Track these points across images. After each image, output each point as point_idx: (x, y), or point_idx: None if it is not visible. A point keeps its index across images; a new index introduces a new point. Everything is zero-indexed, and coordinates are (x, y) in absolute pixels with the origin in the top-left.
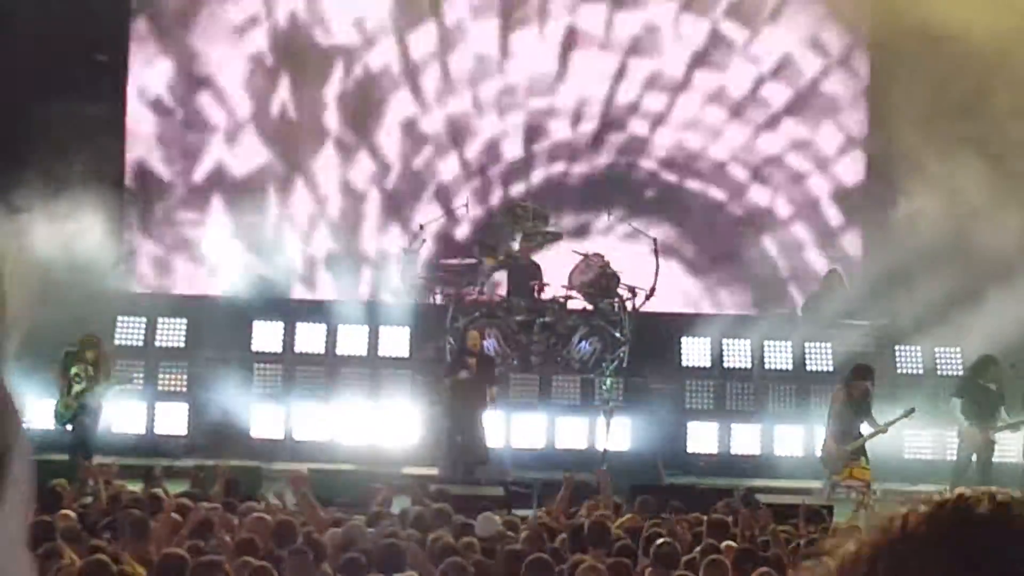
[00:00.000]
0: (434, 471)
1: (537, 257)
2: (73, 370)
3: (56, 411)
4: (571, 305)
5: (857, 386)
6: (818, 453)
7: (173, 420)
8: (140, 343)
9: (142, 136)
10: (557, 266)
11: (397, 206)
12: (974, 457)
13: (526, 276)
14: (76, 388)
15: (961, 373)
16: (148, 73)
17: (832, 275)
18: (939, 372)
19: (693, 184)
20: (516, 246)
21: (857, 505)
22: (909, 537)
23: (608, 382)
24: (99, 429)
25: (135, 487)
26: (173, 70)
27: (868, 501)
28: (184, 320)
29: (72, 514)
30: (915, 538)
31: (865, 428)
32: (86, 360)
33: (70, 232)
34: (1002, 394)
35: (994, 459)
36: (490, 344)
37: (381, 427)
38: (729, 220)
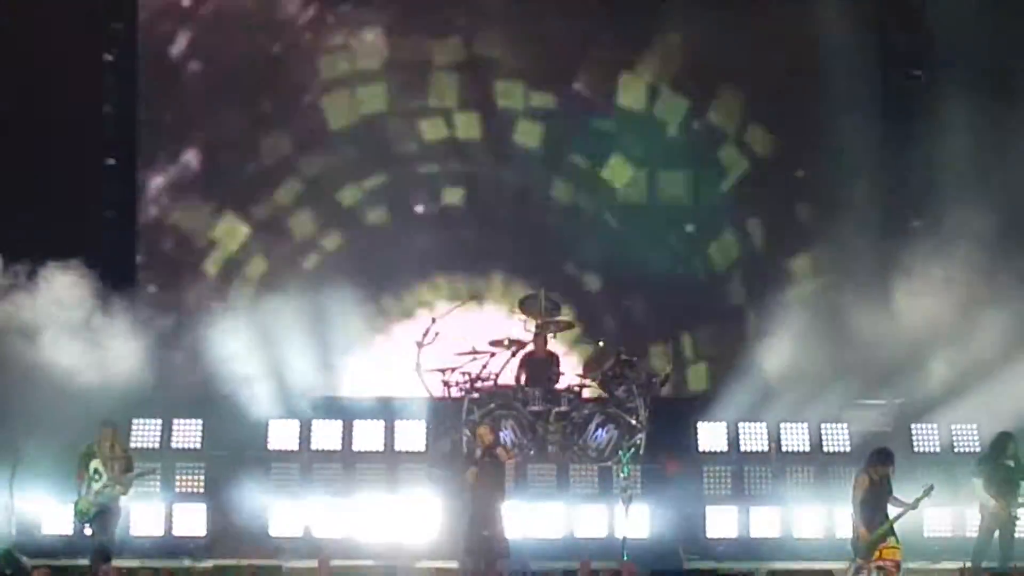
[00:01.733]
0: (454, 565)
1: (552, 347)
2: (92, 466)
3: (77, 510)
4: (586, 393)
5: (878, 470)
6: (839, 535)
7: (191, 521)
8: (156, 445)
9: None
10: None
11: None
12: (996, 534)
13: (541, 366)
14: (96, 485)
15: (978, 451)
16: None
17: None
18: (956, 450)
19: None
20: (530, 336)
21: None
22: None
23: (625, 469)
24: (118, 532)
25: None
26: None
27: None
28: (200, 420)
29: None
30: None
31: (891, 509)
32: (104, 454)
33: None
34: (1022, 470)
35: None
36: (506, 435)
37: (399, 522)
38: None
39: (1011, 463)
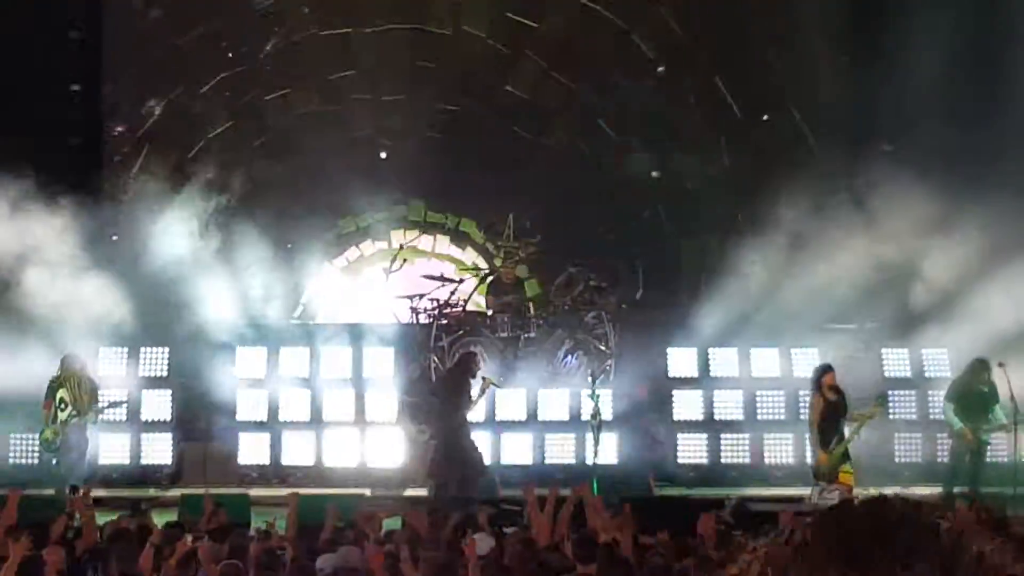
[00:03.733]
0: (424, 491)
1: (520, 273)
2: (59, 395)
3: (42, 439)
4: (555, 320)
5: (829, 387)
6: (809, 462)
7: (158, 450)
8: (123, 373)
9: None
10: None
11: None
12: (967, 458)
13: (510, 293)
14: (62, 415)
15: (949, 375)
16: None
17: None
18: (926, 374)
19: None
20: (498, 263)
21: None
22: (800, 550)
23: (595, 396)
24: (86, 461)
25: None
26: None
27: None
28: (167, 349)
29: (61, 549)
30: (805, 550)
31: (846, 429)
32: (70, 384)
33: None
34: (996, 395)
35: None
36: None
37: (369, 449)
38: None
39: (985, 388)
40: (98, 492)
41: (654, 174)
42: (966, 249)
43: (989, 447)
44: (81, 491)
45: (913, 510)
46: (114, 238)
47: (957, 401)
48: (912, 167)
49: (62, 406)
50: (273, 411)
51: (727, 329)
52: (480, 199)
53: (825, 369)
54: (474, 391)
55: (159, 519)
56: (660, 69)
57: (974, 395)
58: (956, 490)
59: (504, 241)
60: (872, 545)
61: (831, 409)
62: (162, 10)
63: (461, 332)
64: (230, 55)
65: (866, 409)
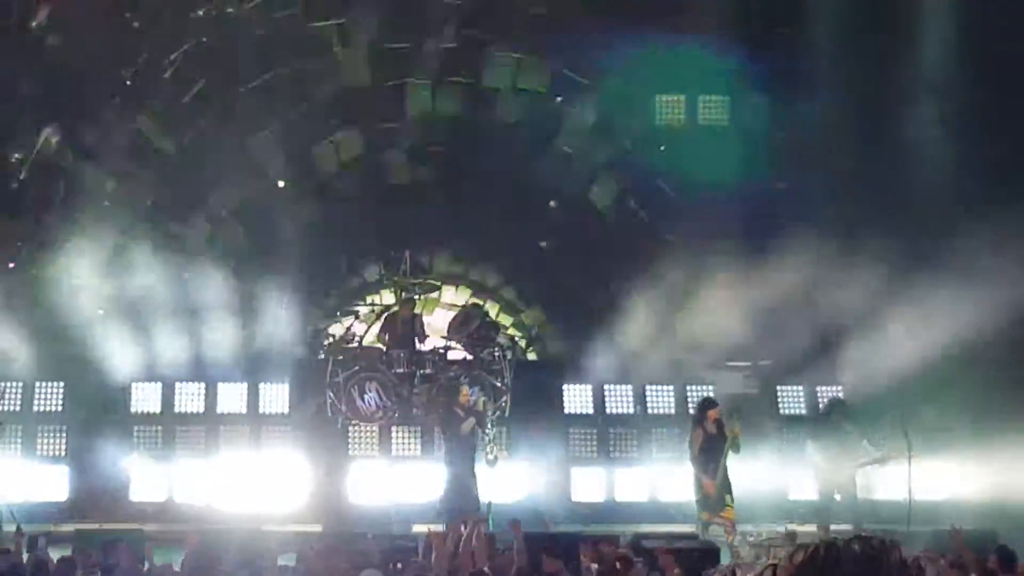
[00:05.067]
0: (318, 528)
1: (416, 309)
2: None
3: None
4: (451, 356)
5: (708, 419)
6: (694, 497)
7: (53, 485)
8: (17, 407)
9: None
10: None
11: None
12: (837, 496)
13: (406, 328)
14: None
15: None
16: None
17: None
18: (821, 411)
19: None
20: (392, 299)
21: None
22: None
23: (491, 432)
24: None
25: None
26: None
27: (733, 542)
28: (62, 383)
29: None
30: None
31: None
32: None
33: None
34: (860, 431)
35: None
36: (371, 398)
37: (264, 485)
38: None
39: (846, 426)
40: None
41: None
42: (862, 285)
43: (858, 482)
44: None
45: (892, 551)
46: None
47: (816, 440)
48: (807, 204)
49: None
50: (168, 445)
51: (622, 367)
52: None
53: (709, 404)
54: (464, 423)
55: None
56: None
57: (833, 433)
58: (836, 527)
59: (400, 277)
60: None
61: (709, 441)
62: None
63: (357, 368)
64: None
65: (733, 430)
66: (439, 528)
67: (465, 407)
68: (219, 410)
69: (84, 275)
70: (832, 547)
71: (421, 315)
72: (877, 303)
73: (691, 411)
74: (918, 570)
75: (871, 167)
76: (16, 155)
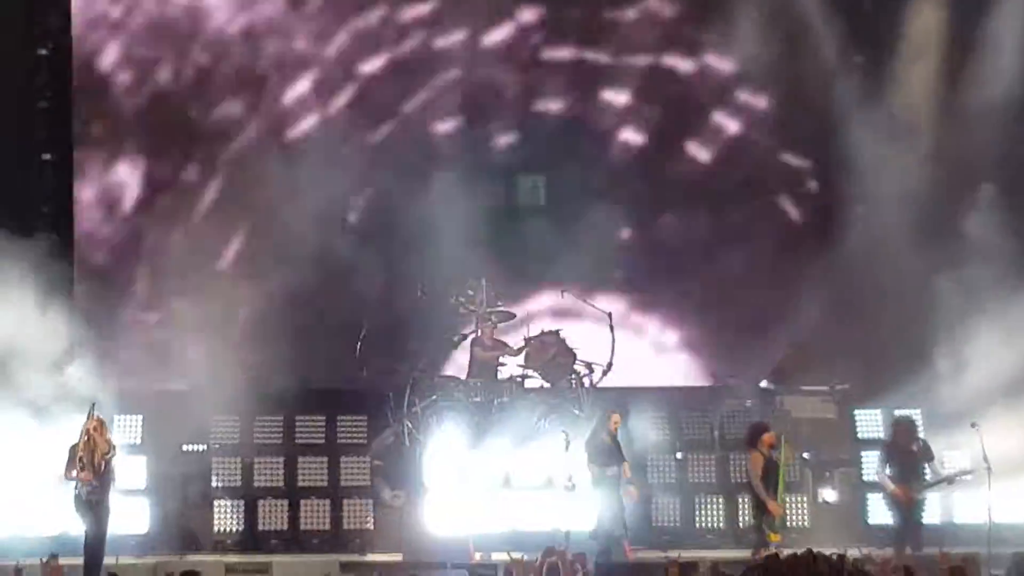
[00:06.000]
0: (398, 557)
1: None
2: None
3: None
4: (528, 384)
5: (764, 443)
6: (750, 522)
7: (133, 516)
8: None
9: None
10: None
11: None
12: (902, 519)
13: (486, 355)
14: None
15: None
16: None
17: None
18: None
19: None
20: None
21: None
22: None
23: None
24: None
25: None
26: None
27: None
28: (140, 416)
29: None
30: None
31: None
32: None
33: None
34: (928, 453)
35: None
36: (448, 426)
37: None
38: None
39: (913, 447)
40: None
41: None
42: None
43: (925, 506)
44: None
45: (839, 566)
46: None
47: (889, 462)
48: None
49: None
50: (247, 477)
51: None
52: None
53: (763, 428)
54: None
55: None
56: None
57: (902, 455)
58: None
59: (476, 305)
60: None
61: (769, 464)
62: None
63: (434, 397)
64: None
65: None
66: (520, 556)
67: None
68: (298, 440)
69: None
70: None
71: (502, 342)
72: (962, 316)
73: (744, 436)
74: None
75: None
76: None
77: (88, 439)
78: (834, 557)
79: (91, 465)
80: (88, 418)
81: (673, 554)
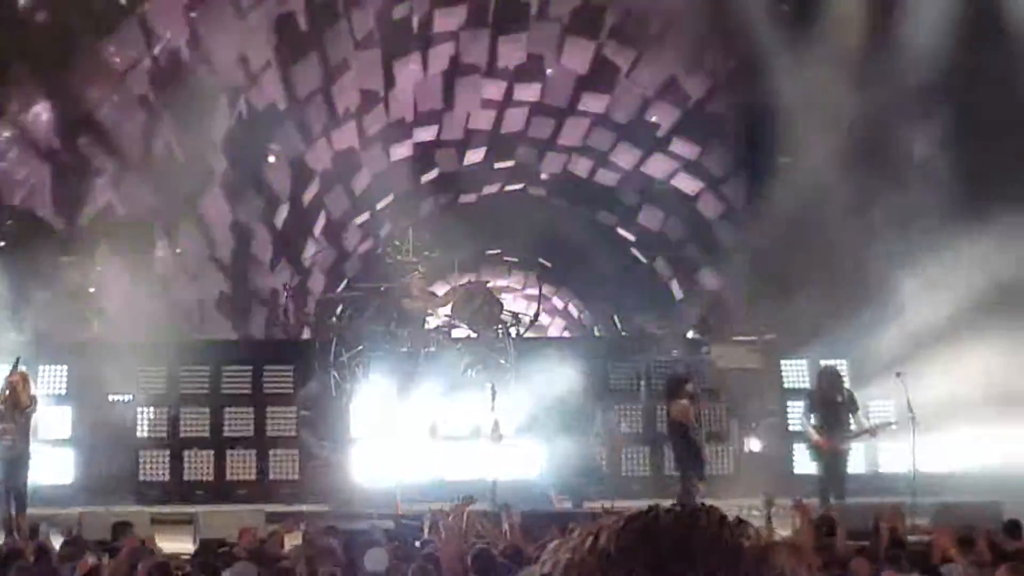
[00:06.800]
0: (325, 508)
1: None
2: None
3: None
4: (455, 334)
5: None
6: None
7: (59, 468)
8: None
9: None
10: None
11: (287, 243)
12: (826, 469)
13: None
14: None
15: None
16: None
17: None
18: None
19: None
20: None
21: None
22: (599, 553)
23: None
24: None
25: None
26: (52, 113)
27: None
28: (65, 367)
29: None
30: (604, 553)
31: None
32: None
33: None
34: (853, 404)
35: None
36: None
37: (268, 465)
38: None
39: (838, 398)
40: None
41: None
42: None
43: (848, 456)
44: None
45: (719, 528)
46: None
47: (813, 412)
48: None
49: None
50: (173, 428)
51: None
52: None
53: (684, 379)
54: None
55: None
56: None
57: (827, 405)
58: (832, 500)
59: (404, 255)
60: (676, 564)
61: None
62: None
63: (361, 347)
64: None
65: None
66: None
67: None
68: (223, 390)
69: None
70: (636, 520)
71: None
72: (889, 267)
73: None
74: (738, 536)
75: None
76: None
77: (11, 392)
78: (710, 518)
79: (12, 418)
80: (13, 371)
81: (596, 505)
